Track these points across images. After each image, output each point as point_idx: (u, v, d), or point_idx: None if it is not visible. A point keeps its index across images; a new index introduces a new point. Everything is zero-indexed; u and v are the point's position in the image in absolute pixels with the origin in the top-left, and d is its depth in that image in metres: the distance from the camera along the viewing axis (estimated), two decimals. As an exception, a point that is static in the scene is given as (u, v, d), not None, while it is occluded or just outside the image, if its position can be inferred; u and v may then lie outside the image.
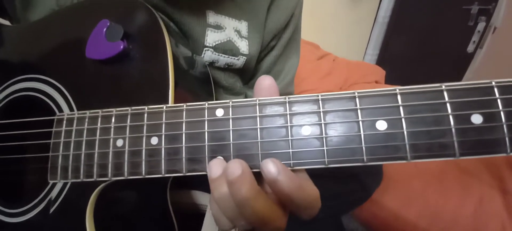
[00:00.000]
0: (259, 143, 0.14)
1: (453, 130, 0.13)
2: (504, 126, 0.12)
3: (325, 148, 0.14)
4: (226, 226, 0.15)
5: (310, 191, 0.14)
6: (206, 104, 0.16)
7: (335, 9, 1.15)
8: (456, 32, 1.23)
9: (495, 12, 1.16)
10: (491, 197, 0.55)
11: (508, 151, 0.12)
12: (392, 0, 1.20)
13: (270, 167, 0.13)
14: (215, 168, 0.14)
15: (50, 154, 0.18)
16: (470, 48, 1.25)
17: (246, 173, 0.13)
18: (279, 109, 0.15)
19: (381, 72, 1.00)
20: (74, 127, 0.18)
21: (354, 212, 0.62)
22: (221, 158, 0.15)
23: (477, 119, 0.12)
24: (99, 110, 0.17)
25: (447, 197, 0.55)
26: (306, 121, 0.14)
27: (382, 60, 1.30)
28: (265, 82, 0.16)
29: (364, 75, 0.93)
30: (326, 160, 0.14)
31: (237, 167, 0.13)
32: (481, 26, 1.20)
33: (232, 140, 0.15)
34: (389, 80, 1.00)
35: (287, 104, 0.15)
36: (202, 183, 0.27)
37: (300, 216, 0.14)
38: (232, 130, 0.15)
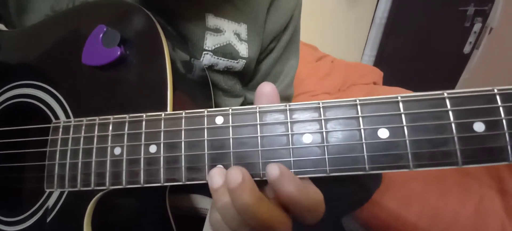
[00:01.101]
0: (259, 151, 0.14)
1: (456, 138, 0.12)
2: (506, 134, 0.12)
3: (326, 156, 0.14)
4: None
5: (314, 194, 0.14)
6: (206, 112, 0.15)
7: (333, 10, 1.15)
8: (453, 33, 1.24)
9: (491, 13, 1.17)
10: (491, 197, 0.55)
11: (511, 159, 0.12)
12: (389, 1, 1.20)
13: (273, 170, 0.13)
14: (216, 178, 0.14)
15: (47, 162, 0.18)
16: (467, 49, 1.26)
17: (247, 180, 0.13)
18: (279, 117, 0.14)
19: (379, 74, 1.00)
20: (71, 135, 0.17)
21: (354, 213, 0.62)
22: (221, 166, 0.14)
23: (479, 126, 0.12)
24: (96, 118, 0.17)
25: (447, 198, 0.55)
26: (307, 129, 0.14)
27: (379, 61, 1.30)
28: (266, 88, 0.15)
29: (362, 77, 0.93)
30: (327, 168, 0.13)
31: (237, 174, 0.13)
32: (477, 27, 1.21)
33: (232, 148, 0.15)
34: (386, 82, 1.01)
35: (288, 112, 0.14)
36: (202, 187, 0.27)
37: (305, 220, 0.14)
38: (232, 138, 0.15)
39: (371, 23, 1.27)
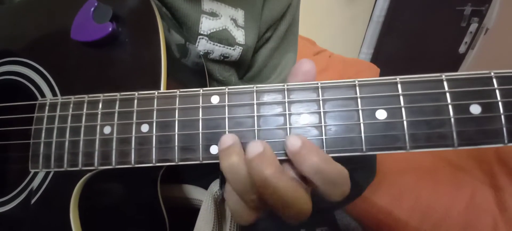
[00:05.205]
0: (255, 131, 0.14)
1: (452, 120, 0.12)
2: (502, 116, 0.12)
3: (323, 137, 0.13)
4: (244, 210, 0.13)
5: (339, 166, 0.13)
6: (201, 90, 0.15)
7: (331, 7, 1.15)
8: (449, 33, 1.26)
9: (488, 14, 1.18)
10: (483, 193, 0.56)
11: (506, 141, 0.12)
12: (387, -1, 1.20)
13: (294, 141, 0.12)
14: (228, 138, 0.13)
15: (31, 141, 0.17)
16: (462, 48, 1.28)
17: (268, 151, 0.12)
18: (277, 97, 0.14)
19: (375, 70, 1.01)
20: (58, 113, 0.17)
21: (347, 207, 0.63)
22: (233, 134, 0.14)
23: (475, 109, 0.12)
24: (85, 96, 0.16)
25: (439, 193, 0.56)
26: (304, 109, 0.14)
27: (376, 59, 1.31)
28: (305, 66, 0.14)
29: (359, 72, 0.94)
30: (324, 149, 0.13)
31: (257, 145, 0.12)
32: (473, 27, 1.22)
33: (228, 128, 0.14)
34: (382, 79, 1.01)
35: (286, 91, 0.14)
36: (194, 178, 0.27)
37: (330, 195, 0.13)
38: (228, 118, 0.14)
39: (369, 21, 1.27)
